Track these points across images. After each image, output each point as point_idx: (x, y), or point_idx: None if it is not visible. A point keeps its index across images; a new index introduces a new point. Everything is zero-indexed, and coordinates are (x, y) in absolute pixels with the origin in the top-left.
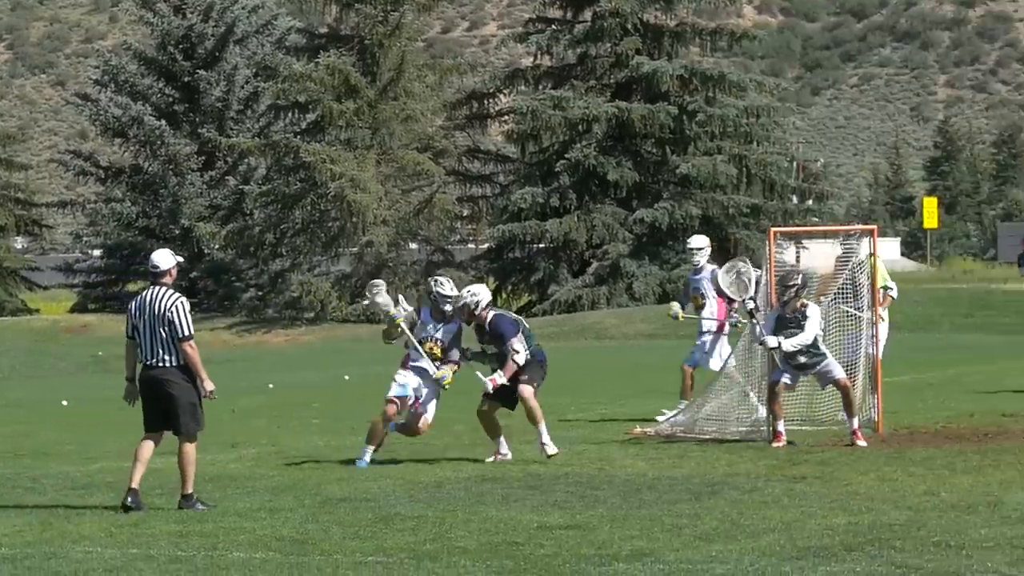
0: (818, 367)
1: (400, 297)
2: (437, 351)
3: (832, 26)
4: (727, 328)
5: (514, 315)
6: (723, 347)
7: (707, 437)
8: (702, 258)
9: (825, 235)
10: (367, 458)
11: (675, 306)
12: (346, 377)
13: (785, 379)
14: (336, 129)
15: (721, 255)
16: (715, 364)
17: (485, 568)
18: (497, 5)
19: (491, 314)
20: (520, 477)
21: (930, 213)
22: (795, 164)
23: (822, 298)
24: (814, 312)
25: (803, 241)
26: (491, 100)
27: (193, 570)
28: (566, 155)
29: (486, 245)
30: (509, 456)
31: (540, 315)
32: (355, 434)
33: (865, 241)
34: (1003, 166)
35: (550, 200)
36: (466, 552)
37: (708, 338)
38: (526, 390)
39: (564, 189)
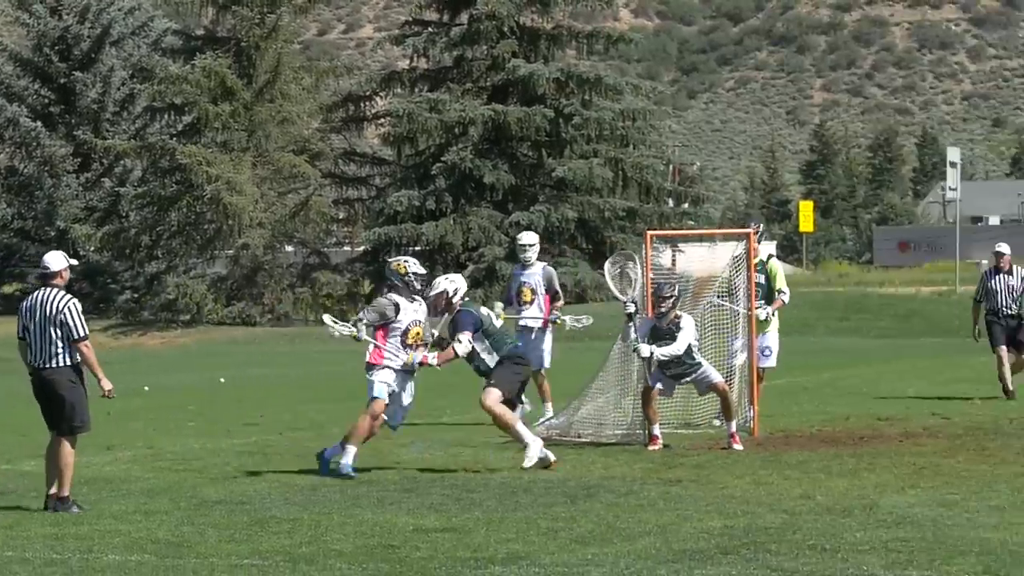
0: (694, 375)
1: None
2: (422, 334)
3: (708, 29)
4: (550, 326)
5: (485, 312)
6: (548, 344)
7: (583, 440)
8: (533, 254)
9: (701, 238)
10: (349, 460)
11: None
12: (221, 379)
13: (659, 386)
14: (212, 131)
15: (597, 258)
16: (548, 361)
17: (361, 571)
18: (373, 8)
19: (459, 307)
20: (396, 480)
21: (806, 217)
22: (671, 167)
23: (700, 300)
24: (688, 323)
25: (679, 244)
26: (367, 103)
27: (68, 572)
28: (442, 158)
29: (362, 248)
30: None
31: None
32: (230, 436)
33: (768, 244)
34: (879, 170)
35: (426, 203)
36: (342, 555)
37: (533, 336)
38: (487, 395)
39: (440, 192)
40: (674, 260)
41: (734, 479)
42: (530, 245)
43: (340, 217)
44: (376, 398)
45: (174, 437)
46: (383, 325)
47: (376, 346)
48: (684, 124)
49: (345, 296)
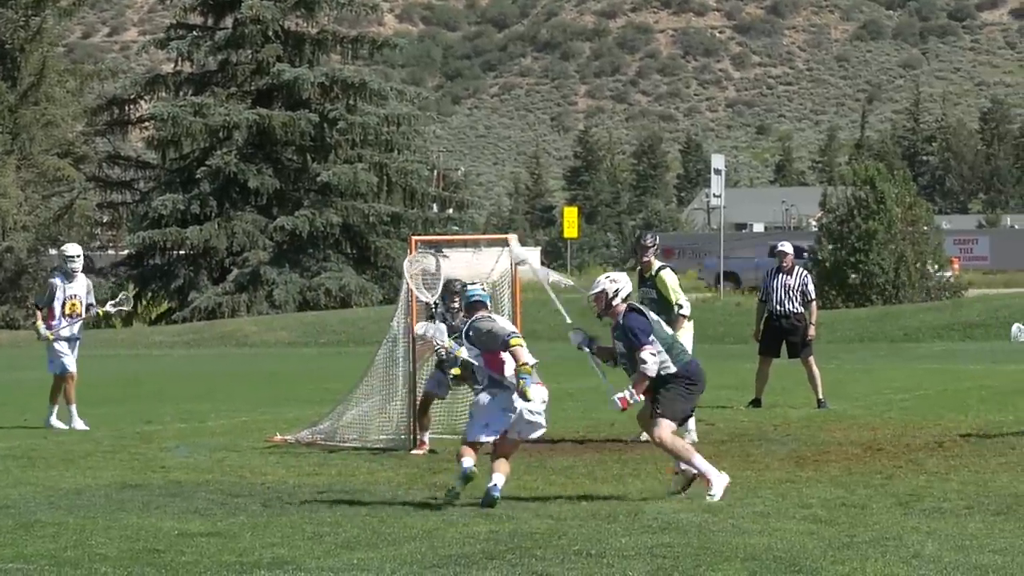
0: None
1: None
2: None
3: (473, 35)
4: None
5: (654, 317)
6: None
7: (348, 445)
8: (78, 265)
9: (465, 244)
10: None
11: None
12: None
13: (439, 390)
14: None
15: (362, 263)
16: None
17: (126, 575)
18: (138, 11)
19: (625, 308)
20: (161, 484)
21: (570, 223)
22: (436, 173)
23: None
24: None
25: (444, 249)
26: (132, 106)
27: None
28: (207, 162)
29: (126, 251)
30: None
31: (180, 322)
32: None
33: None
34: (643, 176)
35: (191, 207)
36: (107, 559)
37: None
38: (660, 428)
39: (205, 196)
40: (438, 265)
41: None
42: (76, 256)
43: (104, 221)
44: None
45: None
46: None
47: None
48: (449, 129)
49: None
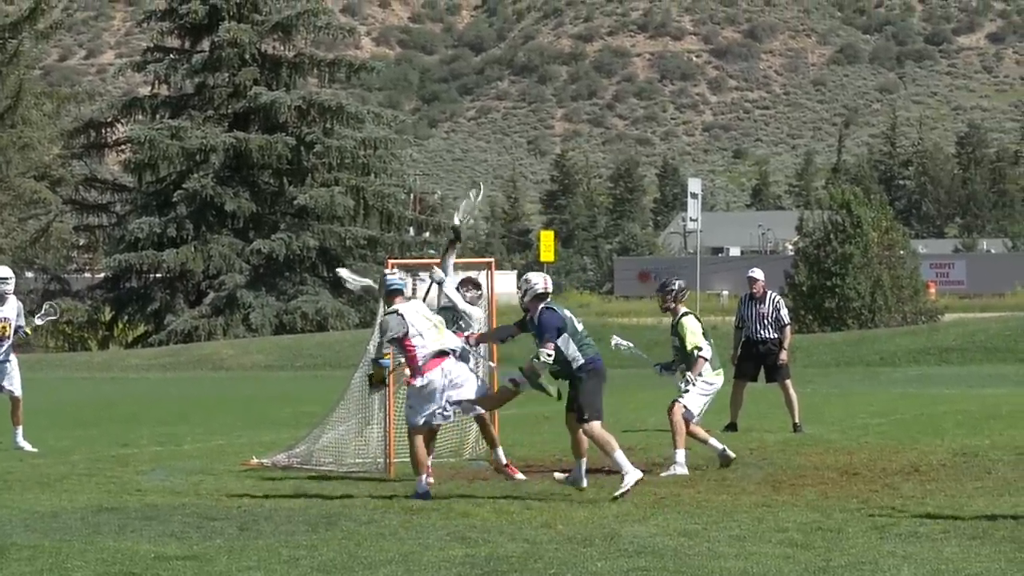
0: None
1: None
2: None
3: (450, 59)
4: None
5: (568, 313)
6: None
7: (324, 468)
8: (10, 288)
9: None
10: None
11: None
12: None
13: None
14: None
15: (338, 286)
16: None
17: None
18: (115, 34)
19: (541, 307)
20: (137, 507)
21: (547, 246)
22: (412, 196)
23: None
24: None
25: (420, 273)
26: (108, 129)
27: None
28: (183, 185)
29: (103, 274)
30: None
31: (156, 345)
32: None
33: (482, 275)
34: (619, 200)
35: (167, 230)
36: None
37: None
38: (591, 427)
39: (181, 219)
40: (415, 289)
41: (475, 508)
42: (4, 279)
43: (81, 243)
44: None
45: None
46: None
47: None
48: (425, 153)
49: (86, 323)
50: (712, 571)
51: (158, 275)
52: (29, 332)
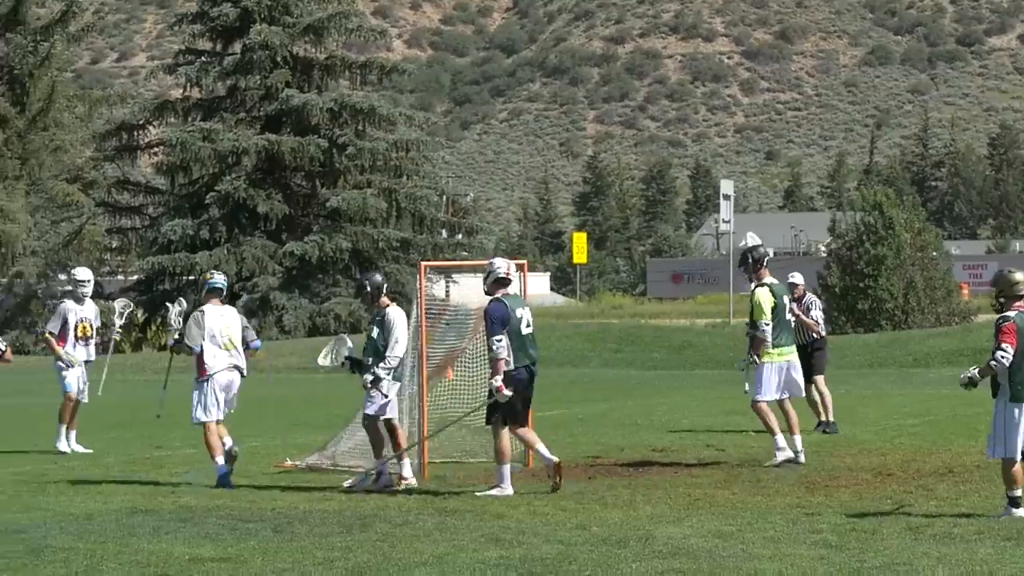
0: None
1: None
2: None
3: (481, 61)
4: None
5: (518, 313)
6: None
7: (357, 470)
8: (89, 290)
9: (475, 270)
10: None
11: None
12: None
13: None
14: None
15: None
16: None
17: None
18: (147, 37)
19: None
20: (172, 510)
21: (579, 248)
22: (444, 198)
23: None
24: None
25: (453, 275)
26: (141, 132)
27: None
28: (216, 187)
29: (136, 277)
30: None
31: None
32: (5, 465)
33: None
34: (652, 202)
35: (200, 232)
36: None
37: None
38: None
39: (214, 221)
40: (448, 291)
41: (509, 510)
42: (87, 281)
43: (114, 246)
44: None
45: None
46: None
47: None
48: (457, 155)
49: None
50: (747, 572)
51: (191, 277)
52: (121, 332)
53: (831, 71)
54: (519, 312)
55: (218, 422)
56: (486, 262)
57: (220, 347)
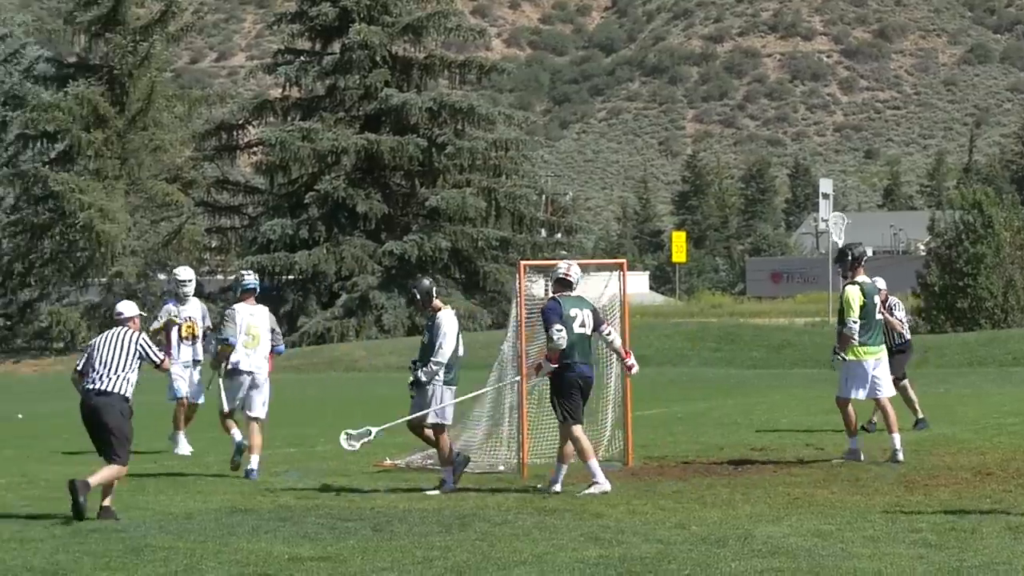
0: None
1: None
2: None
3: (580, 60)
4: None
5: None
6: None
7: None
8: (190, 289)
9: None
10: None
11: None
12: (20, 416)
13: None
14: (85, 159)
15: (471, 288)
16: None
17: None
18: (245, 36)
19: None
20: (271, 509)
21: (679, 247)
22: (544, 197)
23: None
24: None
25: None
26: (240, 131)
27: None
28: (315, 187)
29: (234, 276)
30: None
31: (289, 347)
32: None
33: (614, 276)
34: (751, 201)
35: (299, 232)
36: None
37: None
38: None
39: (313, 221)
40: (547, 290)
41: (609, 509)
42: (188, 280)
43: (213, 246)
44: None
45: (48, 464)
46: None
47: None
48: (557, 154)
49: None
50: (845, 572)
51: (290, 277)
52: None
53: (930, 69)
54: (573, 312)
55: (231, 413)
56: (586, 262)
57: (244, 345)
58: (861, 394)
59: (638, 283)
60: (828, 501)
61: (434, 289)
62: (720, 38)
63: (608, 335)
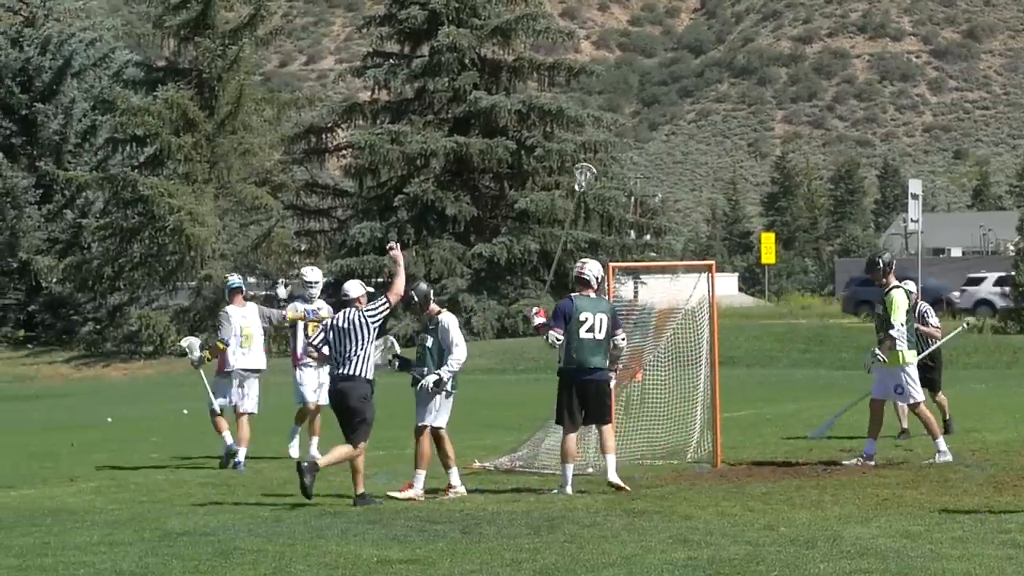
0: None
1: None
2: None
3: (669, 62)
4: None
5: (570, 304)
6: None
7: (547, 472)
8: (316, 291)
9: (663, 270)
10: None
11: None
12: (184, 411)
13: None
14: (174, 163)
15: (559, 290)
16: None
17: None
18: (335, 40)
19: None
20: (360, 511)
21: (768, 249)
22: (633, 199)
23: (663, 332)
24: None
25: (641, 276)
26: (329, 134)
27: None
28: (404, 189)
29: (325, 279)
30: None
31: None
32: (195, 467)
33: (703, 278)
34: (840, 202)
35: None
36: None
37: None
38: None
39: (402, 223)
40: (636, 292)
41: (697, 510)
42: (315, 282)
43: (302, 249)
44: None
45: (137, 468)
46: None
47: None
48: (646, 156)
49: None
50: (934, 573)
51: (380, 280)
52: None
53: (1019, 69)
54: (584, 315)
55: (222, 412)
56: (675, 263)
57: (240, 345)
58: (922, 394)
59: (727, 285)
60: (917, 502)
61: (431, 293)
62: (809, 39)
63: (621, 341)
